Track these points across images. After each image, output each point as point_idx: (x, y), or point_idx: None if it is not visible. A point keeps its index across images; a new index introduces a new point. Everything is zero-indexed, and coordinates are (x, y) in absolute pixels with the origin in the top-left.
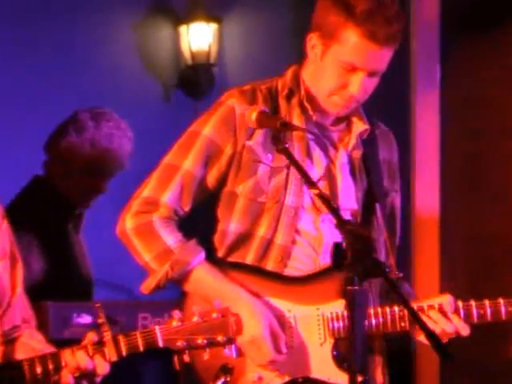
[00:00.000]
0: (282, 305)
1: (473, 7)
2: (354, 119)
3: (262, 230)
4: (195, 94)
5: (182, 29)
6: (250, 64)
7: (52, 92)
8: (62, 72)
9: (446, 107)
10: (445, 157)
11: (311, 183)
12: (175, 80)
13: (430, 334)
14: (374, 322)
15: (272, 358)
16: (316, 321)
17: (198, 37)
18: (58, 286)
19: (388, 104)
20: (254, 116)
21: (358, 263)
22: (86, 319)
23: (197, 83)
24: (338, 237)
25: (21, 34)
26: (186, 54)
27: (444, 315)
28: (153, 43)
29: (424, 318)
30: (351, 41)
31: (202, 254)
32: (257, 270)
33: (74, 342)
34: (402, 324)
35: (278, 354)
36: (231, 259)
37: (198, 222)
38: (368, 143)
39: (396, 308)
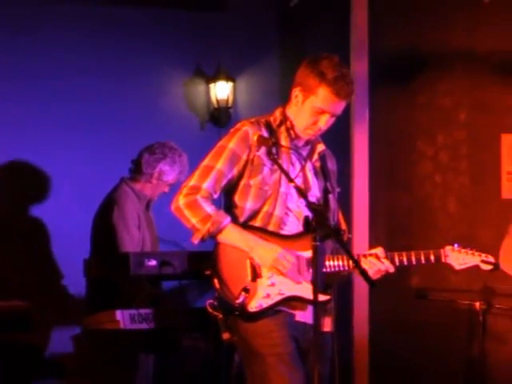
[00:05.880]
0: None
1: (393, 66)
2: (316, 143)
3: (266, 207)
4: (219, 126)
5: (211, 85)
6: (253, 107)
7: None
8: (135, 117)
9: (373, 135)
10: (372, 164)
11: (290, 179)
12: (207, 117)
13: (363, 272)
14: (332, 263)
15: (294, 261)
16: (300, 260)
17: (221, 90)
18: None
19: (336, 133)
20: (255, 138)
21: (319, 229)
22: (153, 262)
23: (220, 119)
24: (307, 212)
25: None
26: (214, 101)
27: (379, 259)
28: (193, 94)
29: (366, 261)
30: (324, 95)
31: (229, 218)
32: (263, 230)
33: (148, 276)
34: (347, 267)
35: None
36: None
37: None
38: (322, 158)
39: (345, 257)
